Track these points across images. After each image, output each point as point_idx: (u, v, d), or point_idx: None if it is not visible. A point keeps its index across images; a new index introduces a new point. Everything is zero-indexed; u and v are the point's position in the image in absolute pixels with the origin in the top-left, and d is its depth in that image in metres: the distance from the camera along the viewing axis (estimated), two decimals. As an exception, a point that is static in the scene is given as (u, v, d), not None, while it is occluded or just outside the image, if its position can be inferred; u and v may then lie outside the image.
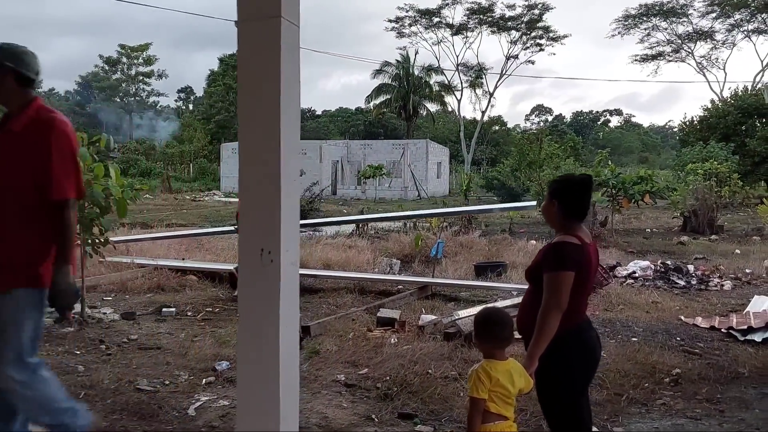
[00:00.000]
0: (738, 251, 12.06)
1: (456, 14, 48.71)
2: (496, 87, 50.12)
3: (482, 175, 39.25)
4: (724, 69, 47.15)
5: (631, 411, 4.39)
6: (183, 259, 9.75)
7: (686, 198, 16.25)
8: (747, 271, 9.58)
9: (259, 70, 2.95)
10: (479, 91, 51.27)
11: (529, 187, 24.02)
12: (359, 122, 65.70)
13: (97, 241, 6.42)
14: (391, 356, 5.25)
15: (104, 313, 6.63)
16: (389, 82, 50.51)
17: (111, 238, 6.72)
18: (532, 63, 50.55)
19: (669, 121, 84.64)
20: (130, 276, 8.45)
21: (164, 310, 6.92)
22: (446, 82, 51.17)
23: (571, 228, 2.91)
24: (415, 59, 50.34)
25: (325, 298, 7.85)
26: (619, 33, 45.15)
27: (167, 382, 4.65)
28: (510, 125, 66.37)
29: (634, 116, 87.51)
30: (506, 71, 49.14)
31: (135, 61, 61.62)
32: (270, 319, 2.95)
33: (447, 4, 46.45)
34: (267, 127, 2.95)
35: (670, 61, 46.77)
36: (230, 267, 8.49)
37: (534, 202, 7.00)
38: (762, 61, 42.54)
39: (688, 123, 32.57)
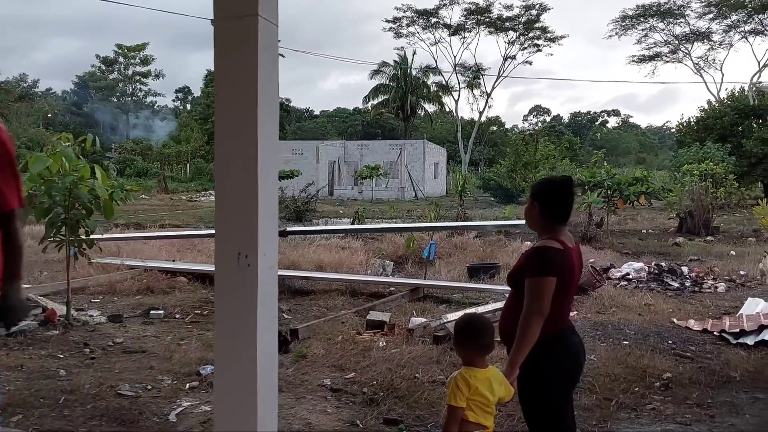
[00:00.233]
0: (733, 253, 12.01)
1: (453, 15, 48.68)
2: (493, 87, 50.14)
3: (479, 175, 39.19)
4: (721, 70, 47.26)
5: (620, 416, 4.32)
6: (173, 260, 9.67)
7: (682, 199, 16.20)
8: (741, 273, 9.52)
9: (236, 70, 2.88)
10: (477, 92, 51.26)
11: (525, 188, 23.99)
12: (357, 122, 65.64)
13: (83, 242, 6.33)
14: (379, 360, 5.18)
15: (90, 316, 6.55)
16: (387, 83, 50.46)
17: (98, 237, 6.62)
18: (530, 63, 50.59)
19: (666, 122, 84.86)
20: (119, 278, 8.38)
21: (152, 312, 6.85)
22: (444, 82, 51.15)
23: (554, 231, 2.84)
24: (412, 60, 50.35)
25: (316, 300, 7.78)
26: (616, 34, 45.19)
27: (149, 387, 4.58)
28: (508, 126, 66.42)
29: (631, 117, 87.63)
30: (504, 72, 49.13)
31: (132, 61, 61.48)
32: (247, 325, 2.89)
33: (444, 5, 46.43)
34: (244, 127, 2.88)
35: (667, 61, 46.81)
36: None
37: (524, 221, 6.89)
38: (759, 62, 42.56)
39: (685, 124, 32.54)
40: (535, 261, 2.72)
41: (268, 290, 2.95)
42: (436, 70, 50.71)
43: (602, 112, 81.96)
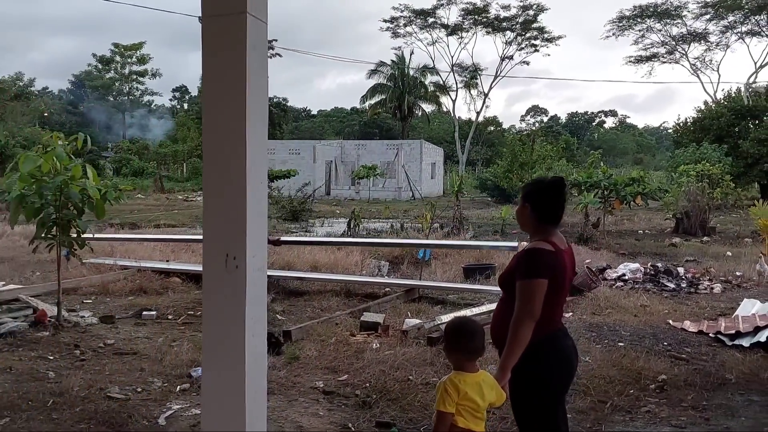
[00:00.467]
0: (729, 253, 11.99)
1: (451, 15, 48.62)
2: (491, 87, 50.14)
3: (476, 175, 39.18)
4: (717, 70, 47.22)
5: (615, 419, 4.29)
6: (167, 260, 9.61)
7: (678, 200, 16.19)
8: (738, 273, 9.50)
9: (225, 68, 2.84)
10: (474, 92, 51.23)
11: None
12: (354, 122, 65.58)
13: (74, 243, 6.27)
14: (373, 362, 5.14)
15: (82, 317, 6.49)
16: (384, 83, 50.41)
17: (88, 236, 6.56)
18: (527, 64, 50.57)
19: (663, 122, 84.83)
20: (112, 278, 8.31)
21: (144, 313, 6.79)
22: (441, 82, 51.10)
23: (546, 233, 2.80)
24: (410, 59, 50.30)
25: (310, 301, 7.73)
26: (613, 34, 45.16)
27: (140, 390, 4.53)
28: (505, 126, 66.27)
29: (629, 117, 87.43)
30: (501, 72, 49.10)
31: (129, 60, 61.29)
32: (235, 328, 2.84)
33: (442, 5, 46.39)
34: (232, 127, 2.83)
35: (664, 62, 46.81)
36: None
37: (515, 243, 6.91)
38: (755, 63, 42.61)
39: (681, 124, 32.56)
40: (526, 263, 2.68)
41: (257, 292, 2.91)
42: (433, 70, 50.70)
43: (599, 112, 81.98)
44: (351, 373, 4.94)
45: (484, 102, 50.94)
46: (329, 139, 48.05)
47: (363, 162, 35.61)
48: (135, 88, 64.38)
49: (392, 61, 50.83)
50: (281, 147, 39.08)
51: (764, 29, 40.80)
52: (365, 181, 33.43)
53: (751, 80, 40.54)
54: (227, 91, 2.83)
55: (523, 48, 48.14)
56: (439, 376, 4.80)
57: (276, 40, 46.70)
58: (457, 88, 50.75)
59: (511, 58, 48.54)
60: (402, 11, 47.51)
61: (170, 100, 71.62)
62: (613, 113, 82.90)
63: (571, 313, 7.00)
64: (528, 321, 2.60)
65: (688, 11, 42.36)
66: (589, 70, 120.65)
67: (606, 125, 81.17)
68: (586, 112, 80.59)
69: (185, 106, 66.63)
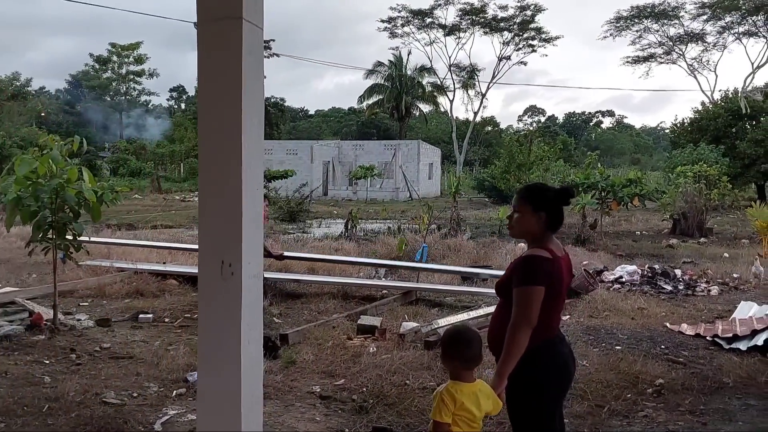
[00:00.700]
0: (726, 255, 12.00)
1: (448, 15, 48.47)
2: (488, 88, 50.08)
3: (474, 176, 39.17)
4: (715, 71, 47.34)
5: (612, 424, 4.28)
6: (164, 262, 9.58)
7: (676, 200, 16.20)
8: (735, 275, 9.51)
9: (220, 74, 2.83)
10: (471, 92, 51.20)
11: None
12: (352, 122, 65.55)
13: (70, 245, 6.25)
14: (369, 366, 5.12)
15: (78, 320, 6.46)
16: (382, 83, 50.37)
17: (84, 239, 6.54)
18: (525, 64, 50.57)
19: (661, 123, 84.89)
20: (108, 280, 8.28)
21: (141, 316, 6.77)
22: (439, 82, 51.06)
23: (546, 240, 2.79)
24: (407, 60, 50.26)
25: (307, 304, 7.71)
26: (610, 35, 45.10)
27: (135, 395, 4.51)
28: (503, 126, 66.30)
29: (626, 117, 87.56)
30: (498, 72, 49.09)
31: (126, 60, 61.15)
32: (231, 335, 2.83)
33: (439, 5, 46.31)
34: (228, 133, 2.82)
35: (661, 63, 46.82)
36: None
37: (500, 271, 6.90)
38: (752, 64, 42.67)
39: (679, 125, 32.61)
40: (524, 270, 2.67)
41: (253, 299, 2.90)
42: (431, 70, 50.66)
43: (597, 112, 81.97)
44: (348, 378, 4.93)
45: (481, 102, 50.92)
46: (327, 140, 48.01)
47: (360, 162, 35.58)
48: (132, 88, 64.24)
49: (390, 61, 50.83)
50: (278, 147, 39.04)
51: (761, 30, 40.82)
52: (363, 181, 33.41)
53: (748, 81, 40.62)
54: (223, 96, 2.82)
55: (520, 48, 48.14)
56: (436, 380, 4.80)
57: (273, 41, 46.68)
58: (454, 89, 50.76)
59: (508, 58, 48.54)
60: (399, 11, 47.48)
61: (167, 100, 71.58)
62: (611, 113, 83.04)
63: (568, 316, 7.00)
64: (525, 328, 2.59)
65: (686, 12, 42.38)
66: (587, 71, 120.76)
67: (603, 125, 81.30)
68: (583, 113, 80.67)
69: (182, 106, 66.56)
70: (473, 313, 6.53)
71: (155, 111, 66.24)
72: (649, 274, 9.19)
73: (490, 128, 60.43)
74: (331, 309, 7.42)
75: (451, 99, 50.98)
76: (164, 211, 22.27)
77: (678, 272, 9.46)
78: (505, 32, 47.25)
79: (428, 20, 47.47)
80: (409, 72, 50.35)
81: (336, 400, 4.53)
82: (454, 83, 50.42)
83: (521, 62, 49.44)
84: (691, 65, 45.63)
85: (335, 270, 9.67)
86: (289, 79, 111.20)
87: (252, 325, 2.88)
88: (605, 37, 46.90)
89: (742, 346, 5.74)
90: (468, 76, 50.11)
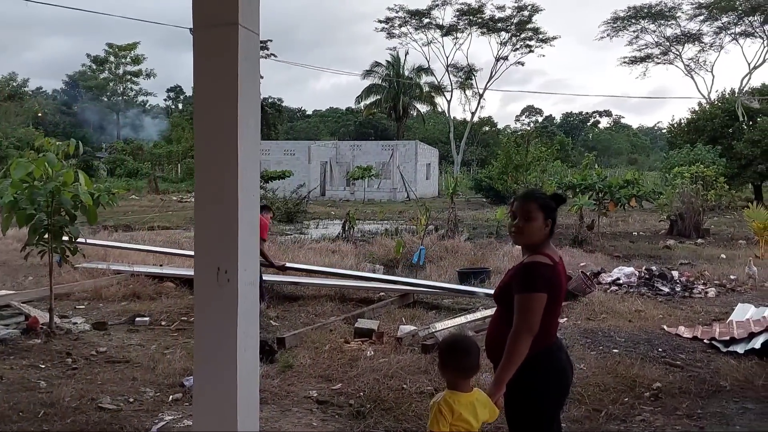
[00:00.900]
0: (723, 256, 12.01)
1: (446, 15, 48.56)
2: (485, 88, 50.07)
3: (471, 176, 39.17)
4: (711, 71, 47.39)
5: (610, 428, 4.28)
6: (161, 265, 9.55)
7: (673, 201, 16.22)
8: (732, 277, 9.51)
9: (216, 80, 2.81)
10: (469, 93, 51.22)
11: (517, 190, 23.98)
12: (349, 122, 65.52)
13: (66, 249, 6.22)
14: (367, 370, 5.11)
15: (74, 323, 6.44)
16: (379, 83, 50.36)
17: (81, 241, 6.51)
18: (522, 64, 50.54)
19: (658, 123, 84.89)
20: (105, 283, 8.25)
21: (137, 319, 6.75)
22: (436, 83, 51.07)
23: (546, 247, 2.78)
24: (405, 60, 50.25)
25: (304, 306, 7.70)
26: (608, 35, 45.23)
27: (132, 400, 4.49)
28: (500, 126, 66.36)
29: (623, 117, 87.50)
30: (496, 72, 49.12)
31: (123, 61, 61.08)
32: (227, 342, 2.81)
33: (437, 5, 46.34)
34: (224, 139, 2.80)
35: (658, 63, 46.94)
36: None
37: (490, 290, 6.89)
38: (749, 64, 42.78)
39: (676, 125, 32.66)
40: (525, 277, 2.64)
41: (249, 306, 2.88)
42: (428, 71, 50.69)
43: (594, 112, 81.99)
44: (345, 382, 4.92)
45: (479, 102, 50.95)
46: (324, 140, 47.96)
47: (358, 163, 35.57)
48: (129, 89, 64.19)
49: (387, 61, 50.82)
50: (276, 147, 39.00)
51: (758, 30, 40.95)
52: (360, 182, 33.39)
53: (745, 82, 40.70)
54: (219, 102, 2.81)
55: (517, 49, 48.18)
56: (433, 384, 4.79)
57: (271, 41, 46.67)
58: (452, 89, 50.79)
59: (506, 58, 48.58)
60: (397, 12, 47.51)
61: (165, 100, 71.49)
62: (608, 113, 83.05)
63: (565, 319, 6.99)
64: (526, 335, 2.58)
65: (682, 12, 42.50)
66: (584, 71, 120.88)
67: (600, 125, 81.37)
68: (580, 113, 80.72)
69: (180, 106, 66.47)
70: (471, 317, 6.51)
71: (152, 111, 66.17)
72: (647, 276, 9.19)
73: (487, 128, 60.46)
74: (329, 311, 7.41)
75: (448, 99, 51.08)
76: (161, 212, 22.24)
77: (675, 274, 9.47)
78: (503, 32, 47.30)
79: (426, 20, 47.52)
80: (406, 72, 50.35)
81: (333, 404, 4.52)
82: (451, 84, 50.48)
83: (518, 62, 49.53)
84: (688, 65, 45.79)
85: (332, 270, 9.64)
86: (287, 80, 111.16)
87: (248, 332, 2.86)
88: (602, 37, 47.03)
89: (740, 349, 5.74)
90: (465, 76, 50.14)
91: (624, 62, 47.13)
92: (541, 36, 47.08)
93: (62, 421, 4.09)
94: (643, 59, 46.37)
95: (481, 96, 50.22)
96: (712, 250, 13.11)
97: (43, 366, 5.23)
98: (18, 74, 52.07)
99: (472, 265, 10.20)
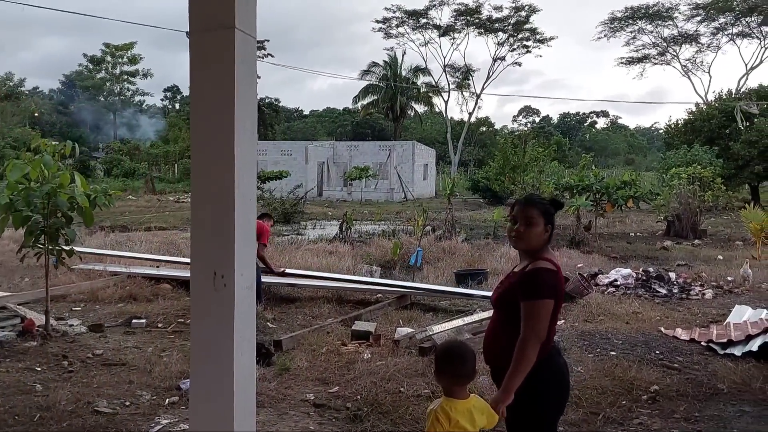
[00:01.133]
0: (720, 257, 12.03)
1: (443, 15, 48.48)
2: (483, 88, 50.09)
3: (469, 176, 39.19)
4: (708, 72, 47.48)
5: (607, 431, 4.27)
6: (157, 266, 9.52)
7: (670, 202, 16.24)
8: (729, 278, 9.52)
9: (212, 84, 2.80)
10: (466, 93, 51.23)
11: (514, 191, 24.01)
12: (347, 123, 65.50)
13: (62, 251, 6.20)
14: (364, 373, 5.10)
15: (71, 326, 6.41)
16: (377, 83, 50.34)
17: (78, 249, 6.49)
18: (519, 65, 50.58)
19: (655, 123, 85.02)
20: (101, 284, 8.22)
21: (134, 321, 6.73)
22: (433, 83, 51.10)
23: (546, 252, 2.78)
24: (402, 60, 50.24)
25: (301, 308, 7.68)
26: (605, 36, 45.31)
27: (128, 403, 4.47)
28: (497, 126, 66.36)
29: (620, 118, 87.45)
30: (493, 73, 49.14)
31: (119, 60, 60.97)
32: (223, 347, 2.79)
33: (434, 6, 46.35)
34: (220, 143, 2.79)
35: (655, 63, 47.04)
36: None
37: (488, 293, 6.86)
38: (746, 65, 42.88)
39: (673, 126, 32.69)
40: (533, 283, 2.62)
41: (246, 311, 2.87)
42: (425, 71, 50.69)
43: (591, 113, 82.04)
44: (342, 385, 4.91)
45: (476, 103, 50.98)
46: (321, 140, 47.95)
47: (355, 163, 35.53)
48: (126, 89, 64.08)
49: (384, 61, 50.80)
50: (273, 148, 38.94)
51: (755, 31, 41.05)
52: (357, 182, 33.34)
53: (742, 83, 40.80)
54: (215, 106, 2.79)
55: (515, 49, 48.19)
56: (430, 387, 4.78)
57: (268, 41, 46.61)
58: (449, 89, 50.79)
59: (503, 59, 48.60)
60: (394, 12, 47.51)
61: (161, 100, 71.35)
62: (605, 114, 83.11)
63: (563, 321, 6.99)
64: (535, 342, 2.57)
65: (680, 13, 42.59)
66: (581, 71, 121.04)
67: (598, 126, 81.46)
68: (577, 113, 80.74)
69: (177, 106, 66.36)
70: (468, 319, 6.50)
71: (149, 111, 66.05)
72: (644, 278, 9.19)
73: (484, 129, 60.48)
74: (326, 313, 7.40)
75: (446, 99, 51.05)
76: (158, 213, 22.18)
77: (672, 275, 9.47)
78: (500, 33, 47.31)
79: (423, 21, 47.51)
80: (404, 73, 50.35)
81: (330, 408, 4.50)
82: (449, 84, 50.50)
83: (516, 63, 49.56)
84: (685, 66, 45.88)
85: (330, 273, 9.62)
86: (284, 79, 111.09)
87: (245, 337, 2.85)
88: (599, 38, 47.06)
89: (737, 351, 5.74)
90: (463, 76, 50.16)
91: (621, 63, 47.25)
92: (538, 36, 47.13)
93: (58, 424, 4.08)
94: (640, 60, 46.48)
95: (478, 97, 50.27)
96: (709, 251, 13.12)
97: (39, 369, 5.21)
98: (14, 74, 51.92)
99: (470, 267, 10.20)
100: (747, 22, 40.55)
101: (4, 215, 5.96)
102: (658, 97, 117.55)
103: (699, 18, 42.22)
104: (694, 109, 32.54)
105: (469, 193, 33.83)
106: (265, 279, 8.04)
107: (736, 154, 26.95)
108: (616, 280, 9.07)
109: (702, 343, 6.16)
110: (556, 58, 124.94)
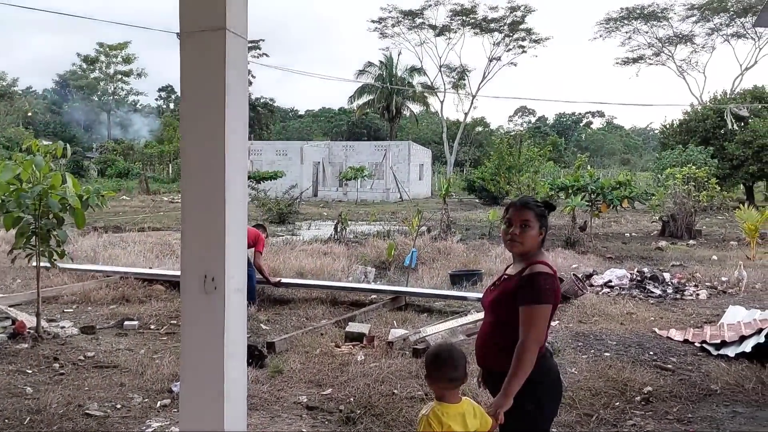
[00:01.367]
0: (715, 257, 12.05)
1: (439, 15, 48.56)
2: (479, 88, 50.12)
3: (464, 176, 39.20)
4: (704, 72, 47.73)
5: (601, 433, 4.27)
6: (150, 267, 9.48)
7: (665, 202, 16.28)
8: (723, 279, 9.53)
9: (203, 85, 2.78)
10: (462, 93, 51.25)
11: (509, 191, 24.02)
12: (342, 122, 65.45)
13: (53, 252, 6.15)
14: (357, 375, 5.08)
15: (62, 327, 6.37)
16: (372, 83, 50.31)
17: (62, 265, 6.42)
18: (515, 65, 50.67)
19: (650, 123, 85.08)
20: (93, 286, 8.18)
21: (126, 323, 6.69)
22: (429, 83, 51.08)
23: (541, 255, 2.76)
24: (398, 60, 50.23)
25: (295, 310, 7.65)
26: (600, 36, 45.45)
27: (119, 406, 4.44)
28: (493, 126, 66.40)
29: (616, 118, 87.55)
30: (489, 73, 49.18)
31: (113, 60, 60.76)
32: (214, 350, 2.78)
33: (430, 5, 46.36)
34: (210, 145, 2.77)
35: (651, 64, 47.17)
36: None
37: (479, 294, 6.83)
38: (741, 65, 43.06)
39: (668, 126, 32.78)
40: (533, 288, 2.60)
41: (236, 313, 2.85)
42: (421, 71, 50.70)
43: (587, 113, 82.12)
44: (335, 387, 4.88)
45: (471, 103, 51.01)
46: (317, 140, 47.86)
47: (351, 163, 35.50)
48: (120, 88, 63.86)
49: (380, 61, 50.78)
50: (268, 148, 38.89)
51: (749, 32, 41.20)
52: (353, 182, 33.32)
53: (737, 83, 40.95)
54: (206, 107, 2.77)
55: (510, 49, 48.26)
56: (424, 389, 4.76)
57: (263, 40, 46.53)
58: (445, 89, 50.81)
59: (498, 59, 48.65)
60: (390, 12, 47.50)
61: (156, 99, 71.14)
62: (600, 114, 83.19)
63: (557, 322, 6.99)
64: (535, 347, 2.56)
65: (674, 13, 42.76)
66: (577, 72, 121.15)
67: (593, 126, 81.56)
68: (573, 113, 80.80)
69: (171, 105, 66.16)
70: (462, 320, 6.49)
71: (143, 111, 65.86)
72: (638, 278, 9.20)
73: (480, 129, 60.52)
74: (320, 315, 7.38)
75: (441, 100, 51.08)
76: (152, 213, 22.10)
77: (667, 276, 9.49)
78: (495, 33, 47.36)
79: (419, 21, 47.51)
80: (399, 73, 50.33)
81: (323, 410, 4.48)
82: (444, 84, 50.52)
83: (511, 63, 49.62)
84: (680, 67, 46.03)
85: (324, 274, 9.61)
86: (279, 79, 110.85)
87: (235, 340, 2.83)
88: (595, 38, 47.17)
89: (731, 352, 5.74)
90: (458, 77, 50.19)
91: (617, 63, 47.38)
92: (534, 37, 47.20)
93: (48, 428, 4.04)
94: (635, 60, 46.62)
95: (474, 97, 50.29)
96: (703, 251, 13.15)
97: (29, 371, 5.17)
98: (7, 73, 51.74)
99: (465, 267, 10.18)
100: (741, 22, 40.71)
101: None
102: (653, 97, 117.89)
103: (694, 18, 42.42)
104: (689, 109, 32.65)
105: (464, 194, 33.84)
106: (259, 278, 8.00)
107: (730, 154, 27.06)
108: (610, 281, 9.07)
109: (696, 344, 6.16)
110: (552, 59, 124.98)
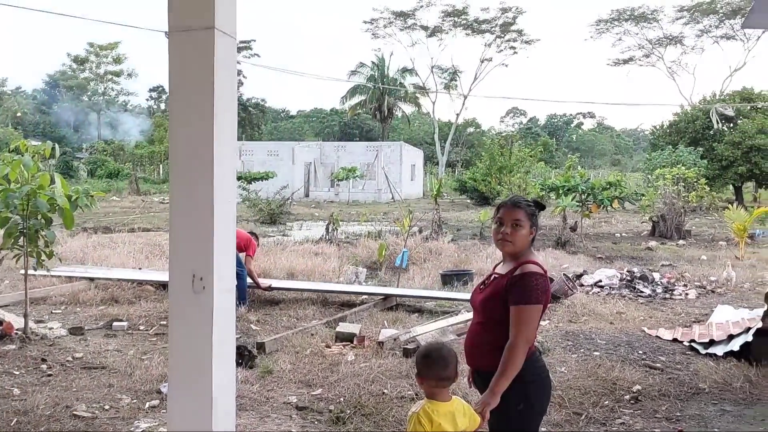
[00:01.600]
0: (704, 257, 12.14)
1: (431, 16, 48.72)
2: (470, 89, 50.23)
3: (456, 177, 39.27)
4: (693, 74, 48.09)
5: (590, 431, 4.28)
6: (140, 268, 9.43)
7: (655, 203, 16.38)
8: (712, 279, 9.60)
9: (192, 85, 2.77)
10: (453, 94, 51.34)
11: (500, 192, 24.09)
12: (334, 123, 65.38)
13: (41, 252, 6.11)
14: (348, 375, 5.08)
15: (50, 329, 6.31)
16: (364, 84, 50.32)
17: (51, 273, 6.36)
18: (506, 66, 50.83)
19: (641, 124, 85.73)
20: (82, 287, 8.13)
21: (115, 324, 6.65)
22: (421, 83, 51.13)
23: (531, 254, 2.77)
24: (390, 60, 50.26)
25: (286, 310, 7.63)
26: (591, 37, 45.73)
27: (107, 407, 4.41)
28: (485, 127, 66.53)
29: (606, 119, 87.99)
30: (480, 74, 49.30)
31: (104, 60, 60.39)
32: (202, 350, 2.77)
33: (422, 6, 46.44)
34: (199, 144, 2.76)
35: (641, 65, 47.48)
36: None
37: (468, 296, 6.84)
38: (730, 66, 43.42)
39: (658, 127, 33.00)
40: (524, 288, 2.61)
41: (225, 313, 2.84)
42: (413, 72, 50.76)
43: (578, 114, 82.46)
44: (325, 387, 4.88)
45: (463, 104, 51.10)
46: (308, 140, 47.82)
47: (342, 164, 35.46)
48: (110, 88, 63.47)
49: (372, 62, 50.78)
50: (259, 148, 38.78)
51: (738, 33, 41.55)
52: (345, 183, 33.29)
53: (726, 84, 41.27)
54: (194, 108, 2.76)
55: (502, 50, 48.41)
56: (414, 389, 4.76)
57: (254, 40, 46.43)
58: (436, 90, 50.87)
59: (490, 60, 48.79)
60: (381, 12, 47.53)
61: (147, 100, 70.70)
62: (591, 115, 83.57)
63: (547, 321, 7.01)
64: (524, 346, 2.57)
65: (664, 15, 43.07)
66: (568, 72, 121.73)
67: (584, 127, 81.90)
68: (564, 114, 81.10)
69: (162, 106, 65.80)
70: (452, 320, 6.50)
71: (134, 111, 65.49)
72: (628, 278, 9.25)
73: (472, 129, 60.65)
74: (310, 315, 7.36)
75: (433, 100, 51.15)
76: (142, 214, 21.99)
77: (656, 275, 9.54)
78: (487, 34, 47.50)
79: (410, 21, 47.56)
80: (391, 73, 50.36)
81: (313, 410, 4.47)
82: (436, 85, 50.60)
83: (503, 64, 49.76)
84: (670, 68, 46.35)
85: (315, 274, 9.60)
86: (271, 79, 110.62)
87: (224, 340, 2.82)
88: (586, 39, 47.41)
89: (719, 351, 5.78)
90: (450, 77, 50.29)
91: (607, 64, 47.71)
92: (525, 38, 47.37)
93: (36, 429, 4.01)
94: (626, 61, 46.91)
95: (465, 97, 50.38)
96: (693, 251, 13.24)
97: (17, 372, 5.13)
98: (-3, 73, 51.28)
99: (456, 267, 10.20)
100: (730, 24, 41.03)
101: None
102: (644, 98, 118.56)
103: (683, 20, 42.72)
104: (679, 110, 32.87)
105: (456, 194, 33.90)
106: (250, 281, 7.98)
107: (719, 155, 27.27)
108: (600, 281, 9.11)
109: (684, 343, 6.20)
110: (544, 60, 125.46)
